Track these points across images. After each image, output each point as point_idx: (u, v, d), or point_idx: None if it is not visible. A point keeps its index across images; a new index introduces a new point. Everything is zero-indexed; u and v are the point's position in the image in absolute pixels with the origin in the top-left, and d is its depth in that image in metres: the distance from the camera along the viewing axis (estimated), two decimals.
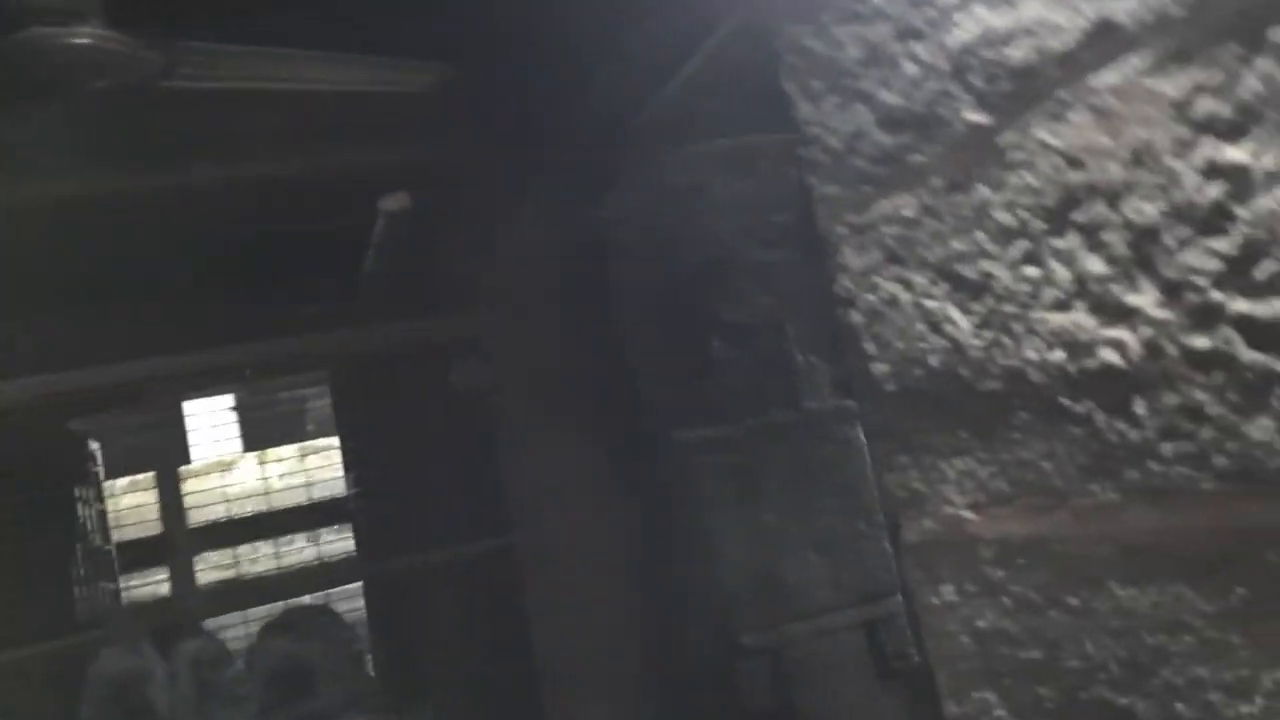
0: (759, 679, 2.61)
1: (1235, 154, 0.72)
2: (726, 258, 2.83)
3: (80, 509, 5.38)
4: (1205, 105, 0.74)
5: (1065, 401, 0.91)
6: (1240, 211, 0.72)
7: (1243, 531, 0.78)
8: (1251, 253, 0.72)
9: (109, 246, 2.77)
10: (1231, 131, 0.72)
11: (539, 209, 2.84)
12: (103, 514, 5.32)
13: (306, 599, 3.78)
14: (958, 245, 1.03)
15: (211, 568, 5.84)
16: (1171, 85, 0.77)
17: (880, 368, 1.18)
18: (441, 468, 3.39)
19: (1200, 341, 0.77)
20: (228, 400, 7.00)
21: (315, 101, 2.43)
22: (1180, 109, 0.76)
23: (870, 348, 1.20)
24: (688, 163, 2.80)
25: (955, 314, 1.04)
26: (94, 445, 5.24)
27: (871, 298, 1.18)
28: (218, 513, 5.55)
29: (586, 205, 2.91)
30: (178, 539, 2.95)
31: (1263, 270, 0.71)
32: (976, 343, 1.02)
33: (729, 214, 2.84)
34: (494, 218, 2.88)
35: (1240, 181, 0.72)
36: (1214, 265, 0.75)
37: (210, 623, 3.90)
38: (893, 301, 1.13)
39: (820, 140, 1.24)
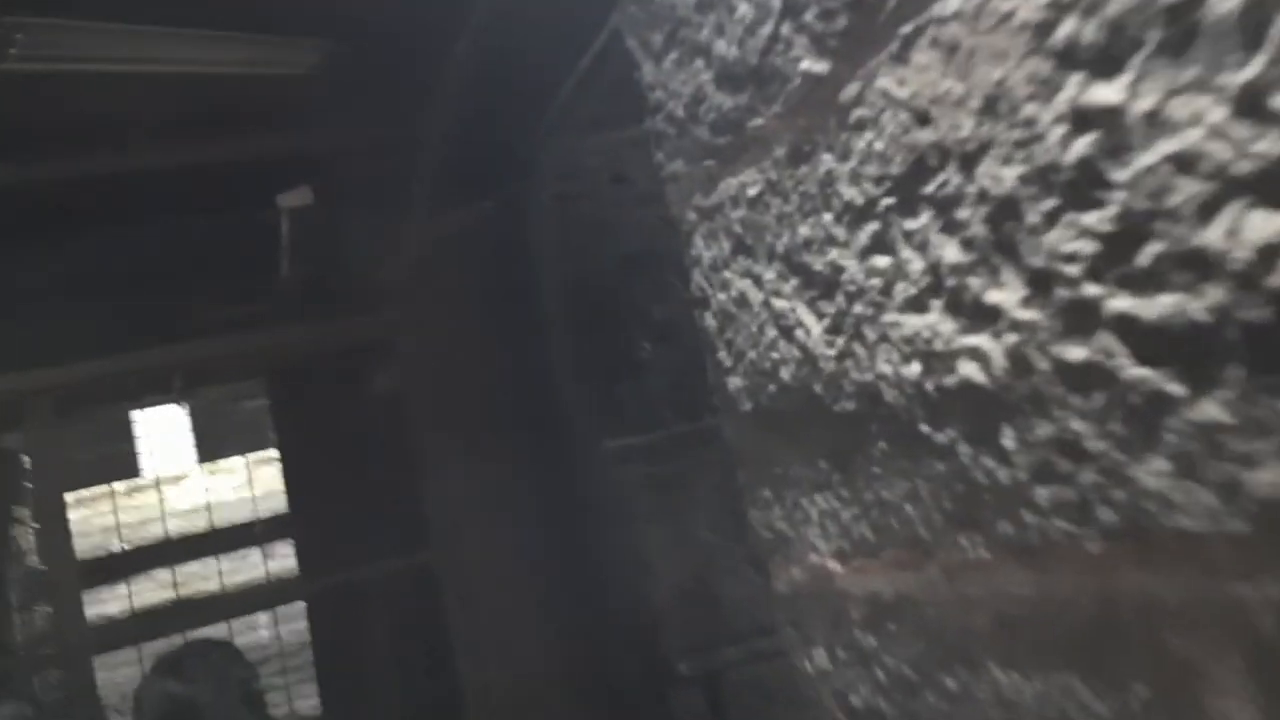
0: (695, 709, 2.41)
1: (1106, 94, 0.52)
2: (654, 250, 2.62)
3: (13, 528, 5.14)
4: (1068, 29, 0.54)
5: (925, 428, 0.71)
6: (1115, 174, 0.52)
7: (1138, 606, 0.57)
8: (1132, 231, 0.51)
9: None
10: (1101, 63, 0.52)
11: (444, 201, 2.63)
12: (37, 531, 5.10)
13: (208, 631, 3.55)
14: (804, 230, 0.82)
15: (158, 586, 5.62)
16: (1027, 3, 0.56)
17: (735, 381, 0.98)
18: (366, 480, 3.18)
19: (1074, 352, 0.57)
20: (181, 410, 6.78)
21: (192, 86, 2.21)
22: (1038, 36, 0.56)
23: (724, 357, 0.99)
24: (607, 149, 2.59)
25: (806, 316, 0.83)
26: (25, 460, 5.02)
27: (723, 296, 0.97)
28: (160, 530, 5.33)
29: (499, 197, 2.70)
30: (63, 570, 2.73)
31: (1146, 255, 0.51)
32: (829, 352, 0.81)
33: (656, 203, 2.63)
34: (397, 211, 2.67)
35: (1114, 132, 0.51)
36: (1087, 248, 0.54)
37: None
38: (743, 301, 0.93)
39: (664, 107, 1.03)
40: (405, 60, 2.28)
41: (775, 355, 0.88)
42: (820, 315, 0.82)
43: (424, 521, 2.82)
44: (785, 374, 0.88)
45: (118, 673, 5.55)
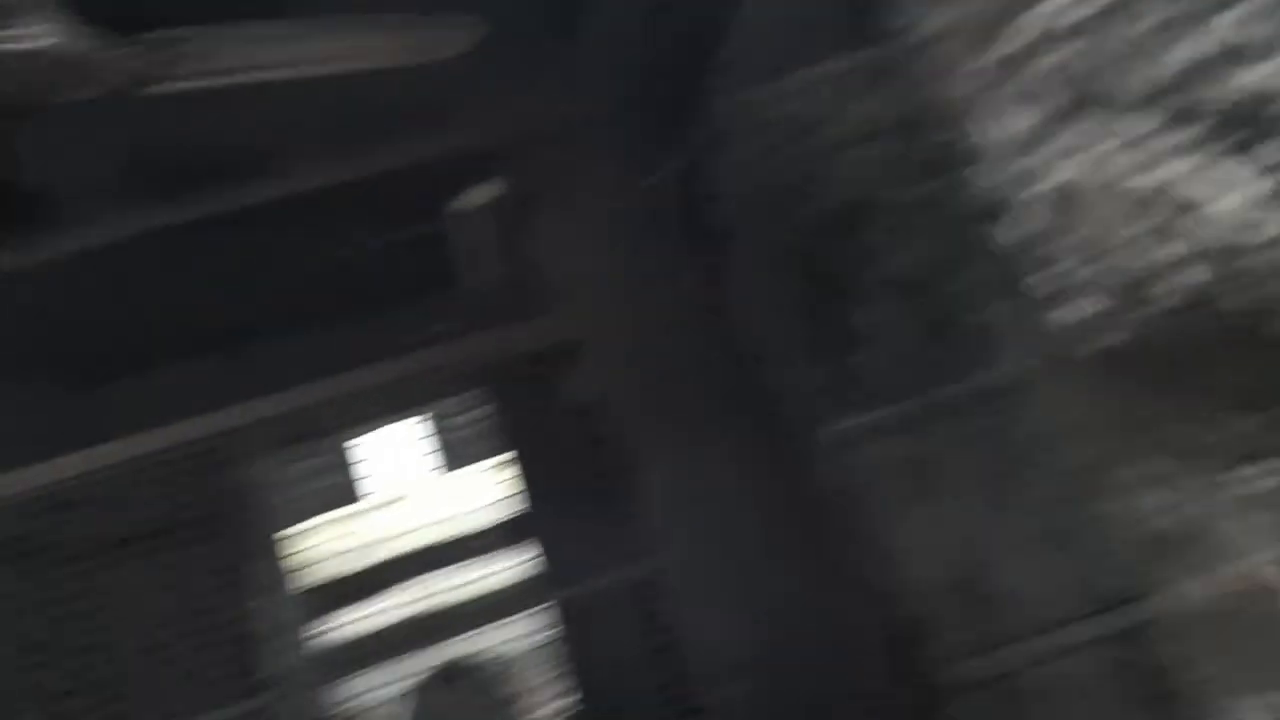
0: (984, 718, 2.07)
1: None
2: (874, 197, 2.29)
3: (252, 561, 5.35)
4: None
5: None
6: None
7: None
8: None
9: (169, 290, 2.53)
10: None
11: (627, 178, 2.40)
12: (277, 562, 5.26)
13: (460, 647, 3.48)
14: (1186, 51, 0.50)
15: (399, 604, 5.74)
16: None
17: (1064, 315, 0.66)
18: (584, 485, 3.00)
19: None
20: (401, 428, 6.95)
21: (346, 94, 2.07)
22: None
23: (1042, 282, 0.68)
24: (798, 91, 2.28)
25: (1207, 186, 0.51)
26: (264, 493, 5.19)
27: (1042, 187, 0.66)
28: (393, 548, 5.42)
29: (684, 165, 2.44)
30: (302, 597, 2.70)
31: None
32: (1257, 237, 0.49)
33: (860, 146, 2.30)
34: (579, 196, 2.46)
35: None
36: None
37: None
38: (1079, 185, 0.61)
39: None
40: (566, 28, 2.07)
41: (1149, 259, 0.57)
42: (1234, 183, 0.50)
43: (645, 525, 2.60)
44: (1168, 286, 0.56)
45: (369, 693, 5.71)
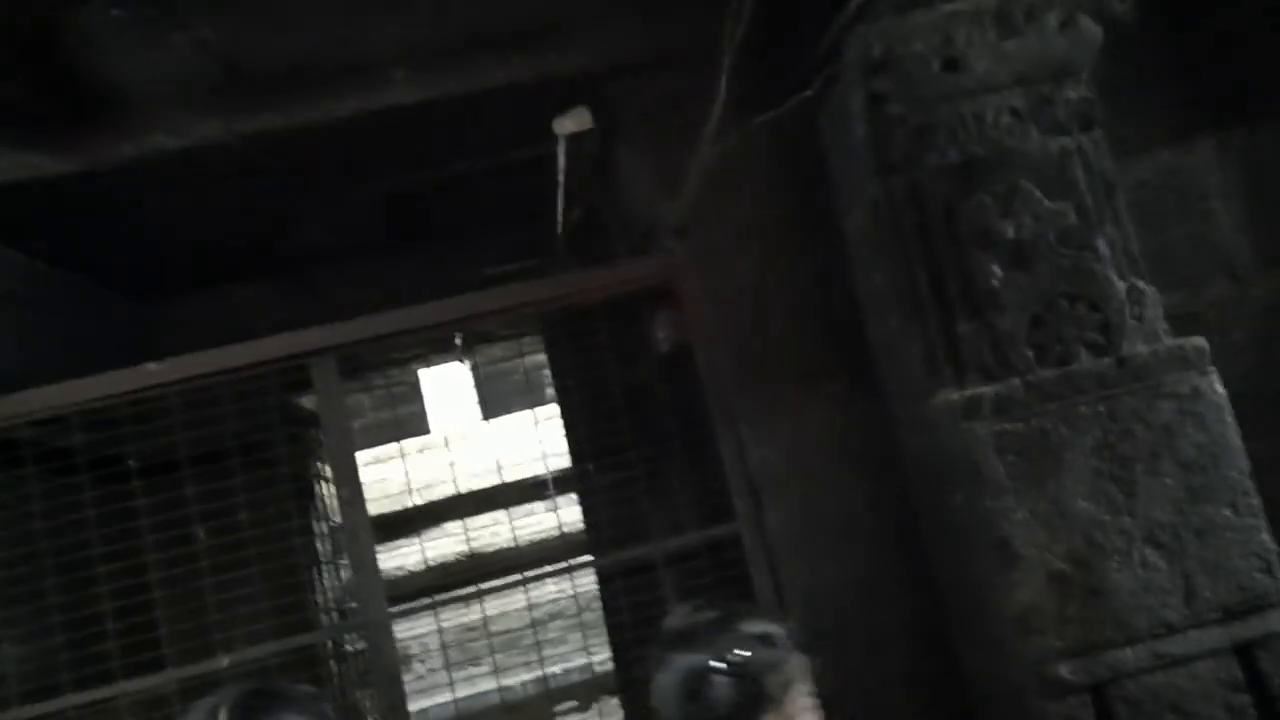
0: None
1: None
2: (998, 151, 2.09)
3: (317, 486, 5.31)
4: None
5: None
6: None
7: None
8: None
9: (242, 205, 2.42)
10: None
11: (735, 117, 2.20)
12: (335, 494, 5.20)
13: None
14: None
15: (450, 541, 5.69)
16: None
17: None
18: (659, 437, 2.86)
19: None
20: (465, 368, 6.86)
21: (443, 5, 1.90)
22: None
23: None
24: (934, 28, 2.07)
25: None
26: (320, 418, 5.12)
27: None
28: (449, 488, 5.34)
29: (798, 105, 2.25)
30: (359, 526, 2.58)
31: None
32: None
33: (996, 92, 2.09)
34: (681, 134, 2.27)
35: None
36: None
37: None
38: None
39: None
40: None
41: None
42: None
43: (722, 486, 2.45)
44: None
45: (416, 624, 5.67)
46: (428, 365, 5.70)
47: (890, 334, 2.24)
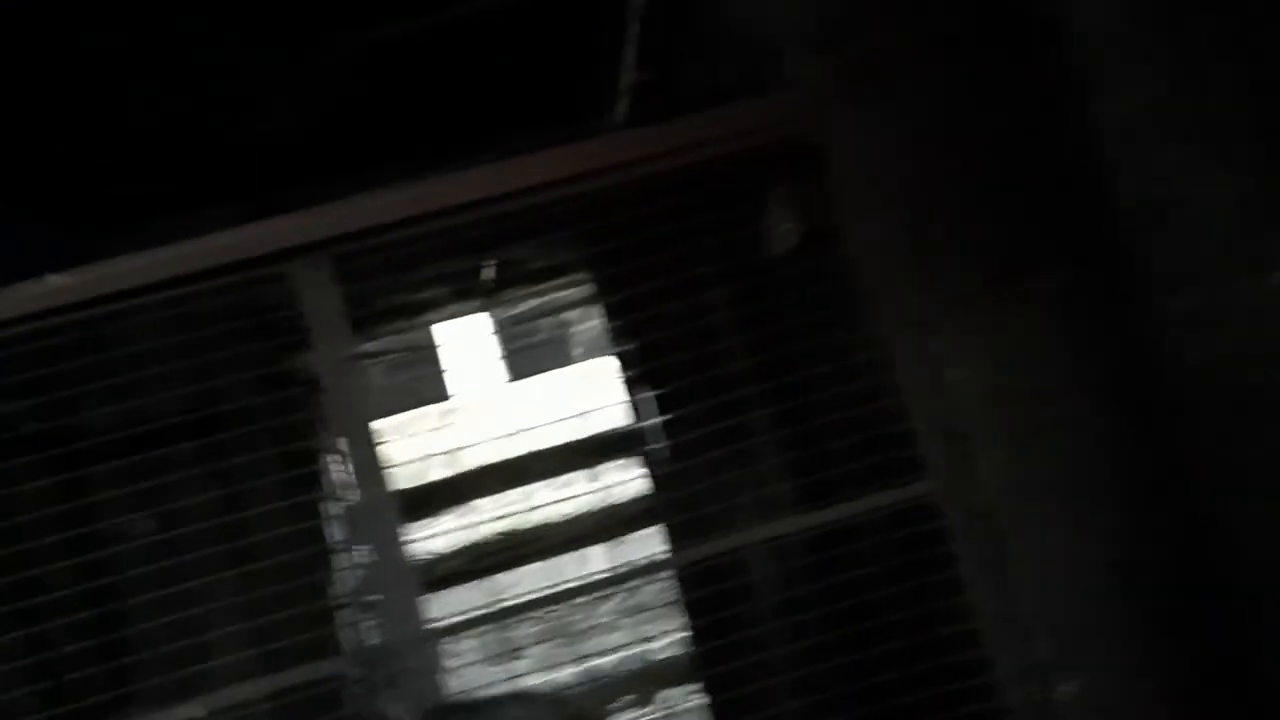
0: None
1: None
2: None
3: (324, 460, 4.65)
4: None
5: None
6: None
7: None
8: None
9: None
10: None
11: None
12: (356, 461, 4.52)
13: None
14: None
15: (481, 517, 5.04)
16: None
17: None
18: (768, 376, 2.14)
19: None
20: (487, 326, 6.11)
21: None
22: None
23: None
24: None
25: None
26: (323, 384, 4.45)
27: None
28: (475, 457, 4.68)
29: None
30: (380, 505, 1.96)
31: None
32: None
33: None
34: None
35: None
36: None
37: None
38: None
39: None
40: None
41: None
42: None
43: (894, 436, 1.73)
44: None
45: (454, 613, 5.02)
46: (444, 318, 5.00)
47: (1168, 180, 1.49)
